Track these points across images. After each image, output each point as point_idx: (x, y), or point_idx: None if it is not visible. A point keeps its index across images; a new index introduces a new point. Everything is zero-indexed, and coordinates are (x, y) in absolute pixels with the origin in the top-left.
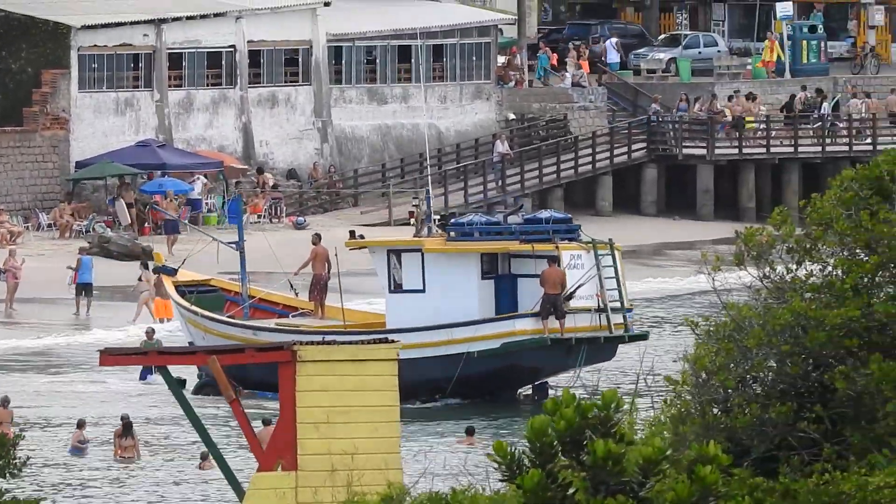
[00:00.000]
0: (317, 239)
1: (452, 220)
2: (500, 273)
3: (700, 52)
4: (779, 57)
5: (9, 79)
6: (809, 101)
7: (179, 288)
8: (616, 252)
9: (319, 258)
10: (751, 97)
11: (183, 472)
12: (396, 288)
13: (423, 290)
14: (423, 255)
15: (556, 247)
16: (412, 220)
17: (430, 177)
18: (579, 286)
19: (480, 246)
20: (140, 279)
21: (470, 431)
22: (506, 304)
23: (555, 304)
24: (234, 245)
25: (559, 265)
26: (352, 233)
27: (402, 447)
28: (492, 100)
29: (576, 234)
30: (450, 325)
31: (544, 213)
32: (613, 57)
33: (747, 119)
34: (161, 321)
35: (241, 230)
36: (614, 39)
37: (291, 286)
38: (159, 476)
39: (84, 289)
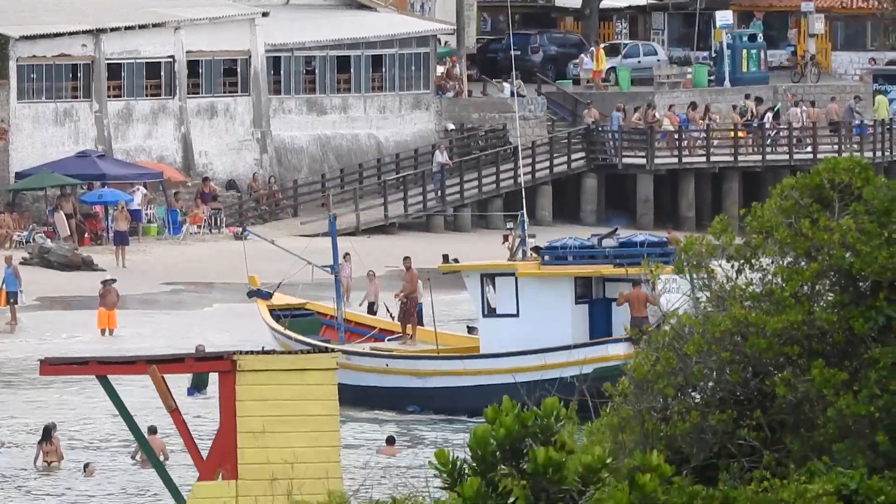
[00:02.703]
0: (409, 262)
1: (547, 244)
2: (594, 297)
3: (640, 62)
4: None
5: None
6: (743, 110)
7: (274, 312)
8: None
9: (412, 281)
10: (692, 106)
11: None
12: (490, 312)
13: (516, 315)
14: (516, 279)
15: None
16: (506, 244)
17: (524, 205)
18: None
19: (574, 270)
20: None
21: (390, 441)
22: (600, 327)
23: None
24: (329, 269)
25: (643, 287)
26: (445, 257)
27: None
28: (431, 110)
29: (670, 258)
30: (544, 350)
31: (639, 237)
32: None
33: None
34: (103, 332)
35: (336, 253)
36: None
37: (388, 310)
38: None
39: (10, 297)
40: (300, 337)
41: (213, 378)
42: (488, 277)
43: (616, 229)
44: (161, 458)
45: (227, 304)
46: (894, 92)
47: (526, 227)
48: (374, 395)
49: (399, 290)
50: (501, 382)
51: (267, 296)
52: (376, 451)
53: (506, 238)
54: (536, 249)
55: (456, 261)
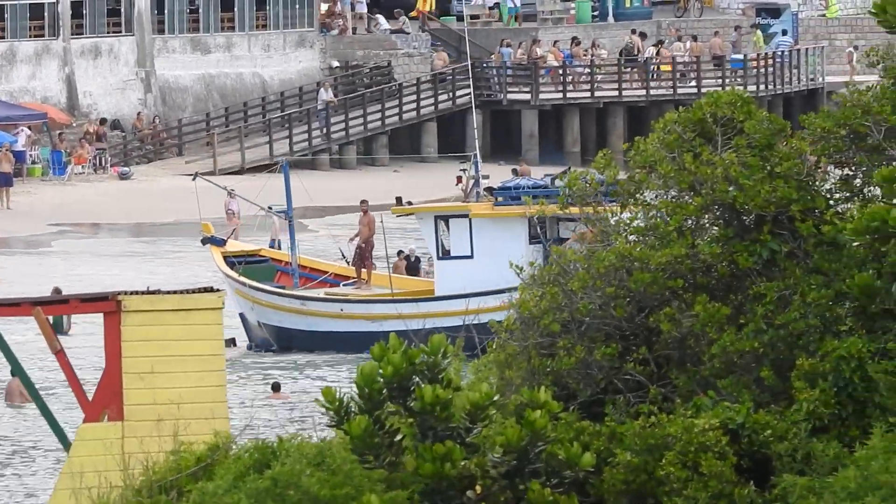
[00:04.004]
0: (366, 205)
1: (500, 184)
2: (548, 237)
3: None
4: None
5: None
6: (630, 46)
7: (228, 259)
8: None
9: (370, 225)
10: (575, 42)
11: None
12: (445, 254)
13: (471, 256)
14: (470, 220)
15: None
16: (459, 185)
17: (477, 146)
18: None
19: (527, 210)
20: None
21: (276, 387)
22: None
23: None
24: (283, 214)
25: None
26: (398, 199)
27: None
28: (315, 48)
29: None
30: (498, 291)
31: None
32: None
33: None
34: None
35: (290, 198)
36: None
37: (343, 255)
38: None
39: None
40: (253, 283)
41: (76, 319)
42: (442, 219)
43: (569, 167)
44: (20, 401)
45: (114, 244)
46: (776, 26)
47: (479, 168)
48: (330, 340)
49: (354, 234)
50: (457, 325)
51: (221, 242)
52: (265, 396)
53: (459, 180)
54: (490, 190)
55: (410, 203)
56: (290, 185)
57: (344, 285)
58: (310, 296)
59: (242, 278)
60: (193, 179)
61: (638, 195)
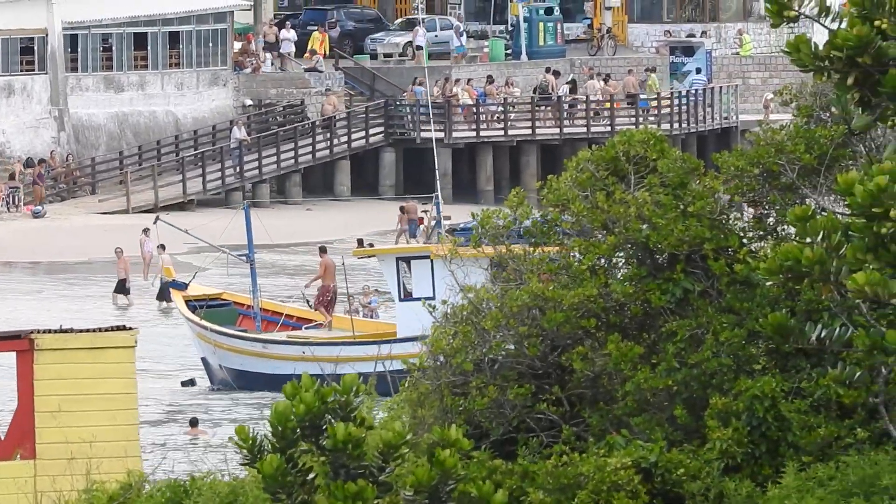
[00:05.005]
0: (323, 251)
1: (461, 225)
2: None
3: (437, 36)
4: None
5: None
6: (544, 85)
7: (190, 303)
8: None
9: (329, 270)
10: (489, 80)
11: None
12: (407, 296)
13: (433, 298)
14: (432, 261)
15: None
16: (422, 227)
17: (438, 184)
18: None
19: (490, 251)
20: None
21: (193, 423)
22: None
23: None
24: (244, 257)
25: None
26: (360, 241)
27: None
28: (229, 86)
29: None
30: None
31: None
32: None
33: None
34: None
35: (251, 240)
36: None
37: (306, 300)
38: None
39: None
40: (215, 327)
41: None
42: (404, 261)
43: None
44: None
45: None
46: (690, 64)
47: (441, 209)
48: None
49: (313, 278)
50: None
51: (183, 286)
52: (182, 432)
53: (421, 220)
54: (451, 231)
55: (371, 245)
56: (251, 226)
57: (306, 328)
58: (272, 339)
59: (204, 322)
60: (154, 223)
61: (552, 234)
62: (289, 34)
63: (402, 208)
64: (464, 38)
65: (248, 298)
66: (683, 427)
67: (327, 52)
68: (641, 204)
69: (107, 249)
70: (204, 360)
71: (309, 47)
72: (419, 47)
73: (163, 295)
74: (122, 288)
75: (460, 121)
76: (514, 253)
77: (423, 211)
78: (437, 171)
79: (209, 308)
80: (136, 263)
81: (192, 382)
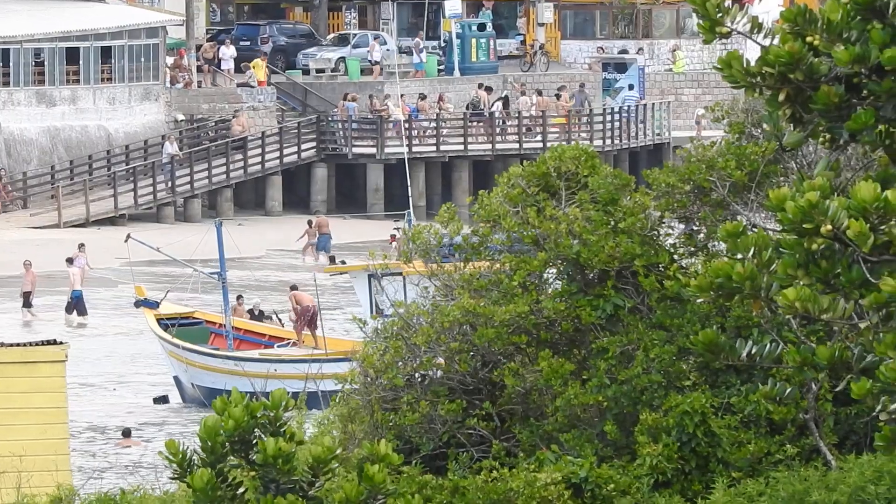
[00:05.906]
0: (294, 289)
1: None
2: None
3: (369, 52)
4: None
5: None
6: (476, 101)
7: (162, 321)
8: None
9: (304, 300)
10: (421, 96)
11: None
12: (379, 313)
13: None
14: (404, 278)
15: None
16: (393, 244)
17: (410, 203)
18: None
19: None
20: None
21: (126, 433)
22: None
23: None
24: (216, 275)
25: None
26: (332, 258)
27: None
28: (160, 101)
29: None
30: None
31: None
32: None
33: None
34: None
35: (223, 258)
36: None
37: (279, 318)
38: None
39: None
40: (187, 345)
41: None
42: (376, 278)
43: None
44: None
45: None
46: (623, 80)
47: (412, 226)
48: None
49: (291, 316)
50: None
51: (154, 305)
52: (115, 443)
53: (393, 238)
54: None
55: (343, 262)
56: (223, 244)
57: (278, 346)
58: (245, 357)
59: (176, 340)
60: (126, 241)
61: (482, 249)
62: (228, 50)
63: (309, 222)
64: (424, 55)
65: (219, 317)
66: (613, 443)
67: (269, 81)
68: (572, 220)
69: (40, 265)
70: (176, 378)
71: (251, 72)
72: (376, 62)
73: (72, 308)
74: (27, 301)
75: (392, 136)
76: (443, 269)
77: (395, 228)
78: (409, 187)
79: (181, 326)
80: (63, 279)
81: (164, 399)
